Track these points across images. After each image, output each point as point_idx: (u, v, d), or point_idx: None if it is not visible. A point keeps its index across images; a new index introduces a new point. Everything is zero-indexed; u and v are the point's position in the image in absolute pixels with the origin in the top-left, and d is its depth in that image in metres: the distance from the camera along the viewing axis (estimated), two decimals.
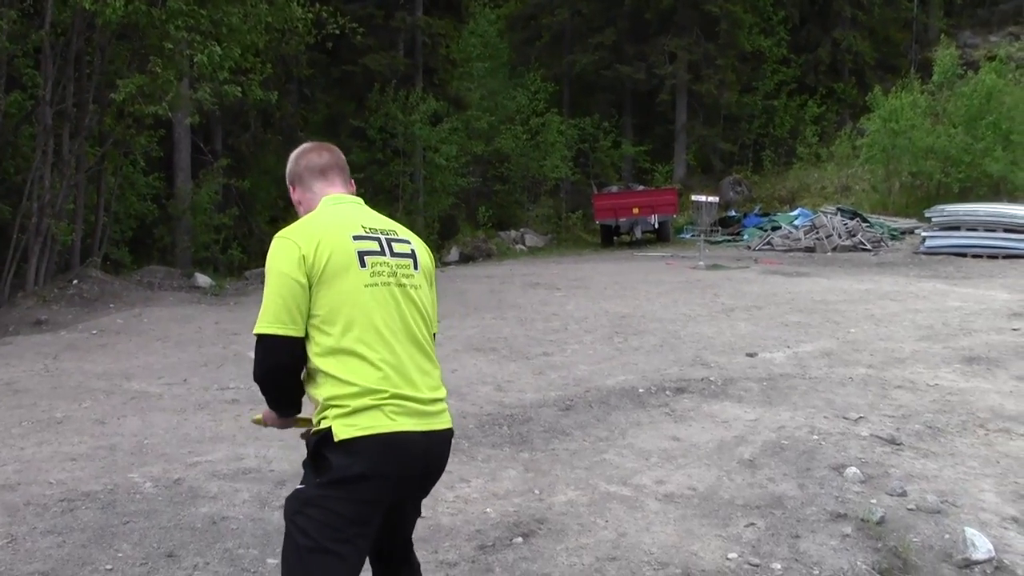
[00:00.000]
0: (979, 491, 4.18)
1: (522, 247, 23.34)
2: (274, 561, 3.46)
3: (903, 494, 4.08)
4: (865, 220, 19.66)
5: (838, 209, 20.56)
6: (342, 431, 2.09)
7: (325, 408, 2.15)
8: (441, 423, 2.26)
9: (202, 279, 14.58)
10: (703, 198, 19.43)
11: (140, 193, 17.02)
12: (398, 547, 2.44)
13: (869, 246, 18.10)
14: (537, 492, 4.28)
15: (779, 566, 3.47)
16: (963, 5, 32.55)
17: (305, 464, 2.21)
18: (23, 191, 12.50)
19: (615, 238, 22.56)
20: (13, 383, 7.08)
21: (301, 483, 2.20)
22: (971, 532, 3.61)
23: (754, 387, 6.28)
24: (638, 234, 21.97)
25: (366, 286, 2.20)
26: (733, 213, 23.84)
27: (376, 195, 20.66)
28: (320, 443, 2.14)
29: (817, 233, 18.86)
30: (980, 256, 15.61)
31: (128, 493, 4.33)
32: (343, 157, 2.52)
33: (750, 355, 7.43)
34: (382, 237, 2.31)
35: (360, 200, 2.45)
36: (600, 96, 29.89)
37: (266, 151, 21.55)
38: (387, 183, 22.64)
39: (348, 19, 17.90)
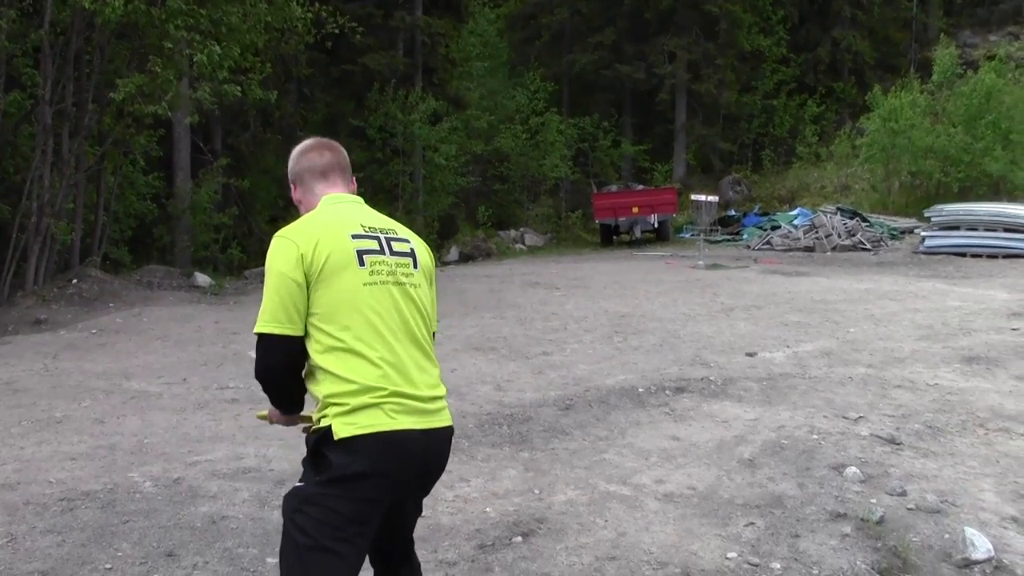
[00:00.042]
0: (979, 491, 4.18)
1: (522, 246, 23.34)
2: (273, 560, 3.46)
3: (903, 494, 4.08)
4: (865, 220, 19.66)
5: (838, 209, 20.56)
6: (342, 429, 2.09)
7: (325, 406, 2.15)
8: (441, 421, 2.26)
9: (202, 278, 14.59)
10: (702, 197, 19.43)
11: (140, 192, 17.01)
12: (399, 546, 2.44)
13: (869, 246, 18.11)
14: (537, 491, 4.28)
15: (778, 566, 3.47)
16: (962, 5, 32.55)
17: (305, 462, 2.22)
18: (23, 190, 12.50)
19: (614, 237, 22.55)
20: (13, 382, 7.08)
21: (300, 481, 2.20)
22: (971, 532, 3.61)
23: (754, 387, 6.28)
24: (637, 233, 21.97)
25: (365, 285, 2.21)
26: (733, 212, 23.84)
27: (376, 194, 20.66)
28: (320, 441, 2.14)
29: (816, 233, 18.86)
30: (980, 256, 15.61)
31: (128, 492, 4.33)
32: (345, 154, 2.52)
33: (750, 355, 7.43)
34: (381, 236, 2.32)
35: (360, 199, 2.46)
36: (600, 95, 29.89)
37: (266, 150, 21.56)
38: (387, 182, 22.64)
39: (347, 18, 17.93)
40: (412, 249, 2.37)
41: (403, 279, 2.29)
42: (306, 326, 2.19)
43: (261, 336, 2.18)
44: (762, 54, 28.54)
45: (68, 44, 12.43)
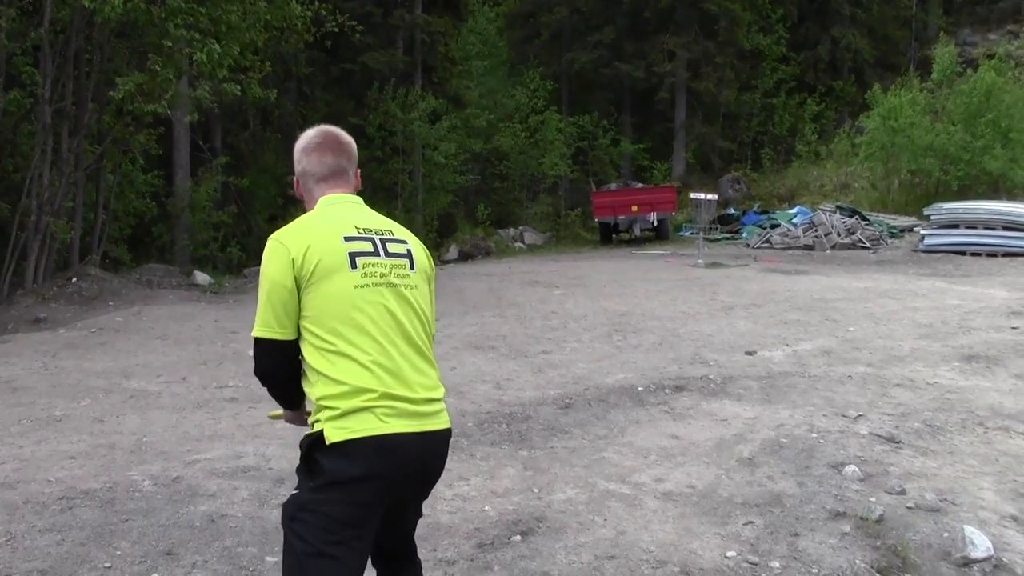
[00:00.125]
0: (978, 489, 4.18)
1: (521, 245, 23.34)
2: (273, 559, 3.47)
3: (902, 492, 4.08)
4: (864, 218, 19.66)
5: (837, 207, 20.56)
6: (333, 434, 2.10)
7: (318, 410, 2.16)
8: (437, 424, 2.25)
9: (201, 277, 14.60)
10: (702, 196, 19.44)
11: (139, 191, 17.00)
12: (399, 548, 2.44)
13: (868, 244, 18.11)
14: (536, 490, 4.28)
15: (778, 564, 3.47)
16: (962, 3, 32.56)
17: (299, 470, 2.22)
18: (22, 189, 12.51)
19: (614, 236, 22.56)
20: (12, 381, 7.08)
21: (296, 488, 2.21)
22: (970, 530, 3.61)
23: (753, 385, 6.28)
24: (637, 232, 21.96)
25: (356, 287, 2.21)
26: (732, 211, 23.84)
27: (375, 193, 20.66)
28: (312, 446, 2.15)
29: (816, 231, 18.87)
30: (979, 254, 15.62)
31: (127, 491, 4.33)
32: (350, 148, 2.47)
33: (749, 353, 7.43)
34: (376, 238, 2.31)
35: (359, 200, 2.44)
36: (599, 94, 29.88)
37: (265, 149, 21.56)
38: (386, 181, 22.63)
39: (347, 17, 17.92)
40: (409, 250, 2.36)
41: (396, 281, 2.28)
42: (300, 328, 2.20)
43: (255, 340, 2.24)
44: (762, 52, 28.55)
45: (68, 43, 12.43)
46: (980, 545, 3.51)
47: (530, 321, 9.58)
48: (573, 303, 10.88)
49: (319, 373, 2.16)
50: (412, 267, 2.34)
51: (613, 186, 24.67)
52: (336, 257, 2.21)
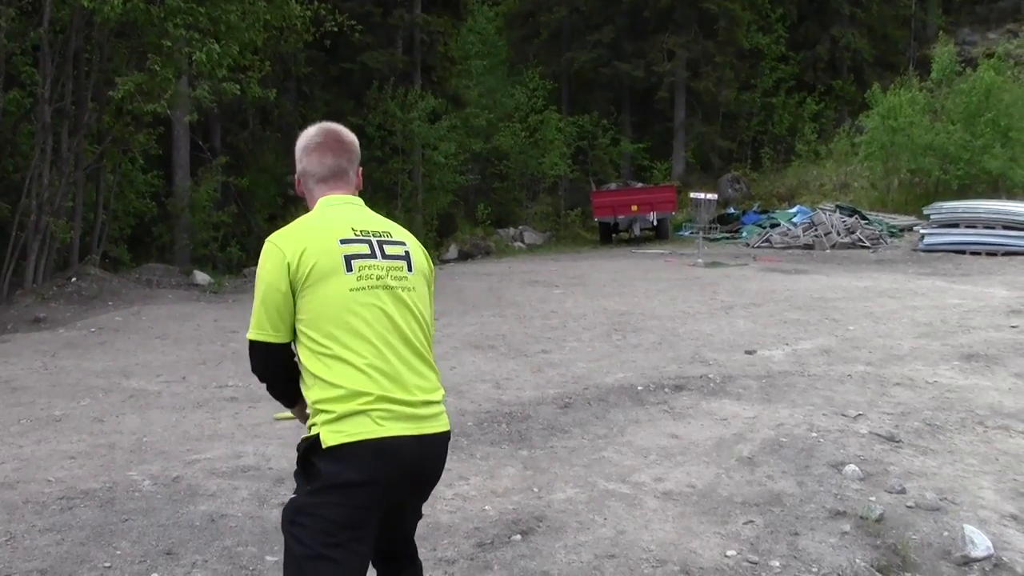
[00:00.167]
0: (978, 488, 4.18)
1: (521, 245, 23.35)
2: (272, 559, 3.47)
3: (902, 491, 4.08)
4: (864, 217, 19.67)
5: (837, 206, 20.57)
6: (329, 438, 2.09)
7: (315, 413, 2.15)
8: (435, 426, 2.23)
9: (201, 277, 14.59)
10: (702, 195, 19.47)
11: (139, 191, 16.99)
12: (399, 549, 2.44)
13: (868, 243, 18.12)
14: (536, 490, 4.28)
15: (778, 564, 3.47)
16: (961, 2, 32.57)
17: (296, 474, 2.22)
18: (22, 189, 12.51)
19: (614, 235, 22.57)
20: (12, 381, 7.08)
21: (294, 493, 2.21)
22: (970, 529, 3.61)
23: (753, 384, 6.28)
24: (637, 231, 21.97)
25: (351, 290, 2.20)
26: (732, 210, 23.85)
27: (375, 193, 20.65)
28: (308, 450, 2.14)
29: (816, 230, 18.87)
30: (979, 253, 15.62)
31: (127, 491, 4.33)
32: (352, 147, 2.45)
33: (749, 352, 7.43)
34: (373, 240, 2.29)
35: (359, 200, 2.43)
36: (599, 93, 29.89)
37: (265, 149, 21.54)
38: (386, 181, 22.62)
39: (346, 17, 17.91)
40: (407, 251, 2.34)
41: (393, 283, 2.26)
42: (296, 331, 2.20)
43: (249, 342, 2.24)
44: (761, 52, 28.56)
45: (67, 42, 12.42)
46: (980, 544, 3.51)
47: (530, 320, 9.58)
48: (573, 302, 10.88)
49: (315, 376, 2.15)
50: (410, 269, 2.33)
51: (613, 186, 24.68)
52: (332, 260, 2.20)
